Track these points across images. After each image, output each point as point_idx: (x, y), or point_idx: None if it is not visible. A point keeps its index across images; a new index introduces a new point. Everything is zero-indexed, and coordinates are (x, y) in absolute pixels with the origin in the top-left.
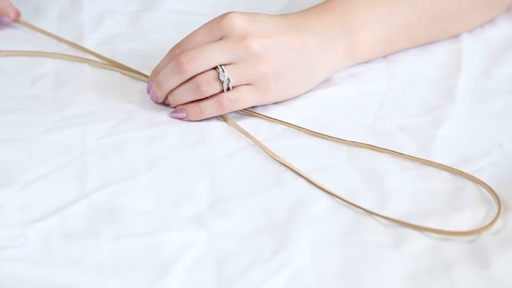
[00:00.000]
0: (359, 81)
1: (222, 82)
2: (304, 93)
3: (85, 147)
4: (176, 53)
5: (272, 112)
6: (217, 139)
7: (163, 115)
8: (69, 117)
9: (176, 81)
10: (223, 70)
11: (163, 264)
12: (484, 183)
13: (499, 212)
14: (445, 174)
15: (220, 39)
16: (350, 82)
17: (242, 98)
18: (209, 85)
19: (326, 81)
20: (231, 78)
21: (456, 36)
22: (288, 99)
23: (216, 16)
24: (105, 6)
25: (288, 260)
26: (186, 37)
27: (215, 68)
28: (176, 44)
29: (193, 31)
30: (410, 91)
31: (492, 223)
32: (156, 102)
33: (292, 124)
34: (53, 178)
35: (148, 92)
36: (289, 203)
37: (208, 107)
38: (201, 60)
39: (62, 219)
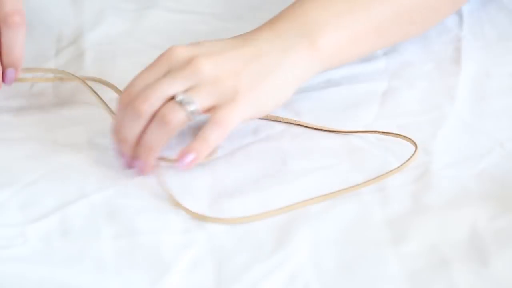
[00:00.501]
0: (359, 81)
1: (182, 104)
2: (281, 104)
3: (85, 147)
4: (125, 102)
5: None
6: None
7: None
8: (69, 116)
9: (137, 127)
10: (178, 95)
11: (163, 263)
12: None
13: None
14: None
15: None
16: (350, 82)
17: (227, 114)
18: (173, 112)
19: (326, 81)
20: (189, 98)
21: (425, 31)
22: (271, 110)
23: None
24: (105, 5)
25: (288, 258)
26: (130, 83)
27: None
28: (122, 95)
29: (135, 76)
30: (410, 91)
31: (405, 163)
32: (131, 167)
33: (294, 121)
34: (53, 178)
35: (122, 159)
36: (289, 201)
37: (208, 131)
38: (154, 96)
39: (62, 218)
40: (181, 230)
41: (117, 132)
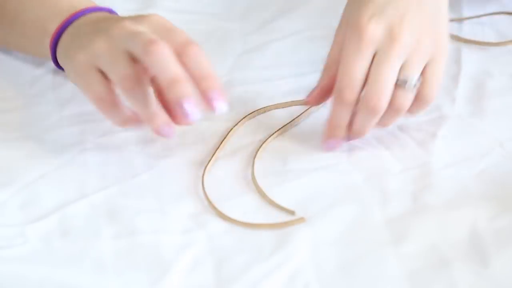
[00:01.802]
0: None
1: (407, 86)
2: None
3: (85, 146)
4: (348, 97)
5: (271, 111)
6: (217, 139)
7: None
8: (69, 116)
9: (372, 121)
10: (400, 79)
11: (163, 263)
12: None
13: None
14: None
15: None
16: None
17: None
18: (405, 98)
19: None
20: (410, 77)
21: None
22: None
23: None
24: (105, 4)
25: (288, 259)
26: (343, 76)
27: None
28: (338, 89)
29: (346, 67)
30: None
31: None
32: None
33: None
34: (53, 178)
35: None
36: (288, 201)
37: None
38: (384, 90)
39: (62, 218)
40: (181, 230)
41: (336, 128)
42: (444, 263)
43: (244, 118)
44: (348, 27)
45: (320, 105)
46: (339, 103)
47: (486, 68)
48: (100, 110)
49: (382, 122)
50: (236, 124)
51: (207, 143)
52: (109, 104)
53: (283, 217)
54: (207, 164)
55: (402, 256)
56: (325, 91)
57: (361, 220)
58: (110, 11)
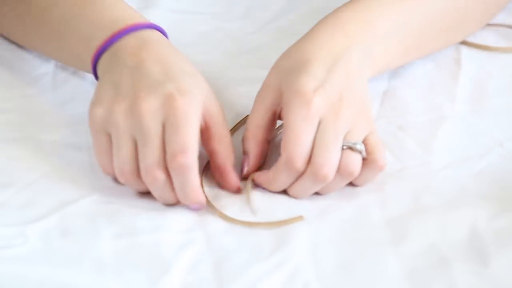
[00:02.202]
0: None
1: (355, 150)
2: None
3: (85, 146)
4: (298, 165)
5: None
6: None
7: None
8: (69, 116)
9: (316, 189)
10: (351, 144)
11: (162, 263)
12: None
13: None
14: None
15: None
16: None
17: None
18: (355, 162)
19: None
20: (356, 141)
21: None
22: None
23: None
24: None
25: (287, 258)
26: (293, 144)
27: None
28: (288, 157)
29: (293, 133)
30: (410, 90)
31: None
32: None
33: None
34: (53, 178)
35: None
36: (288, 200)
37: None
38: (333, 157)
39: (62, 218)
40: (180, 230)
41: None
42: (444, 262)
43: (243, 119)
44: (292, 95)
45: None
46: (287, 170)
47: (486, 68)
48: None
49: (330, 188)
50: (236, 125)
51: None
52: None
53: (281, 216)
54: (206, 164)
55: (402, 256)
56: (259, 158)
57: (361, 220)
58: (154, 27)
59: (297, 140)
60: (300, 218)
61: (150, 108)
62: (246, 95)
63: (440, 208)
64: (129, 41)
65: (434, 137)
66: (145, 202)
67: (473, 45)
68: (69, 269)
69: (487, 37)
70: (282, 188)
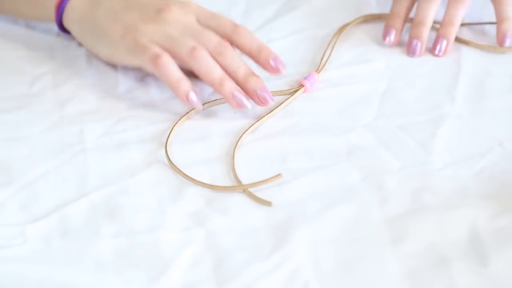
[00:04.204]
0: (358, 80)
1: None
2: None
3: (85, 146)
4: None
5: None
6: (217, 136)
7: (162, 113)
8: (69, 115)
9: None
10: None
11: (162, 261)
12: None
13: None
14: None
15: None
16: (350, 82)
17: None
18: None
19: (326, 81)
20: None
21: None
22: None
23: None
24: None
25: (287, 257)
26: None
27: None
28: None
29: None
30: (410, 90)
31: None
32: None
33: None
34: (52, 177)
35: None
36: (288, 200)
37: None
38: None
39: (62, 218)
40: (180, 228)
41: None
42: (444, 262)
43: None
44: None
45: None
46: None
47: (486, 67)
48: (157, 68)
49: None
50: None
51: (206, 141)
52: (165, 59)
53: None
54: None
55: (402, 256)
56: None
57: (361, 219)
58: None
59: None
60: (278, 176)
61: (180, 12)
62: None
63: (440, 207)
64: None
65: (434, 137)
66: (144, 201)
67: (473, 44)
68: (69, 268)
69: (487, 37)
70: (400, 15)
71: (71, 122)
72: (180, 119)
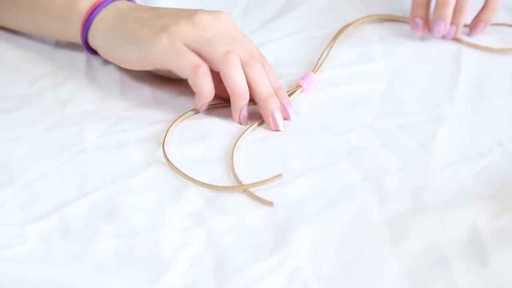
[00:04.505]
0: (358, 80)
1: None
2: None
3: (85, 146)
4: None
5: None
6: (217, 136)
7: (162, 113)
8: (69, 116)
9: None
10: None
11: (162, 261)
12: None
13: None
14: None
15: None
16: (349, 81)
17: None
18: None
19: (326, 80)
20: None
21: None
22: None
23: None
24: None
25: (287, 257)
26: None
27: None
28: None
29: None
30: (410, 90)
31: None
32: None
33: None
34: (52, 177)
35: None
36: (288, 200)
37: None
38: None
39: (62, 218)
40: (180, 228)
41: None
42: (444, 262)
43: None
44: None
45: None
46: None
47: (486, 68)
48: (196, 77)
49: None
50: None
51: (206, 140)
52: (205, 70)
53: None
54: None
55: (402, 255)
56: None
57: (361, 219)
58: None
59: None
60: (279, 176)
61: (212, 18)
62: None
63: (440, 207)
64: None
65: (434, 137)
66: (144, 201)
67: (473, 45)
68: (69, 268)
69: (487, 38)
70: (423, 3)
71: (71, 122)
72: (177, 119)
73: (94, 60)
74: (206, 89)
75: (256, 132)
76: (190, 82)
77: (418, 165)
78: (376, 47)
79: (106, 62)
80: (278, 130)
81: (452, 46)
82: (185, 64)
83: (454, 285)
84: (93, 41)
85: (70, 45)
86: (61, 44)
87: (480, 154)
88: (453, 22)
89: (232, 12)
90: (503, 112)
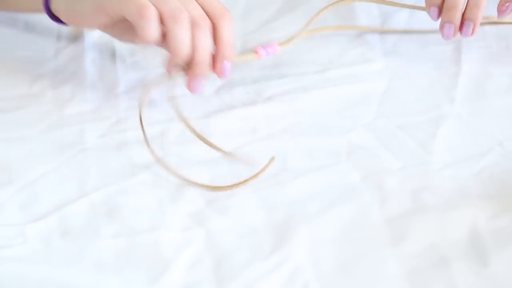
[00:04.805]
0: (358, 80)
1: None
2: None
3: (85, 146)
4: None
5: (271, 111)
6: (217, 136)
7: (162, 113)
8: (69, 115)
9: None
10: None
11: (162, 261)
12: None
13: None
14: None
15: None
16: (349, 81)
17: None
18: None
19: (326, 80)
20: None
21: None
22: None
23: None
24: None
25: (287, 257)
26: None
27: None
28: None
29: None
30: (410, 90)
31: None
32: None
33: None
34: (52, 177)
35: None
36: (288, 200)
37: None
38: None
39: (62, 218)
40: (180, 228)
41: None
42: (444, 262)
43: None
44: None
45: None
46: None
47: (486, 67)
48: (140, 19)
49: None
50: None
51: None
52: (153, 13)
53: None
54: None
55: (402, 256)
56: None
57: (361, 219)
58: None
59: None
60: (272, 160)
61: None
62: (246, 95)
63: (440, 207)
64: None
65: (434, 137)
66: (144, 201)
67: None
68: (69, 268)
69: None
70: (457, 7)
71: (71, 122)
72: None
73: (94, 60)
74: (149, 33)
75: (256, 132)
76: (135, 25)
77: (418, 165)
78: (376, 47)
79: (106, 62)
80: (195, 94)
81: (452, 46)
82: (132, 4)
83: (454, 285)
84: (54, 6)
85: (70, 45)
86: (61, 44)
87: (480, 154)
88: (470, 18)
89: (232, 12)
90: (503, 112)
